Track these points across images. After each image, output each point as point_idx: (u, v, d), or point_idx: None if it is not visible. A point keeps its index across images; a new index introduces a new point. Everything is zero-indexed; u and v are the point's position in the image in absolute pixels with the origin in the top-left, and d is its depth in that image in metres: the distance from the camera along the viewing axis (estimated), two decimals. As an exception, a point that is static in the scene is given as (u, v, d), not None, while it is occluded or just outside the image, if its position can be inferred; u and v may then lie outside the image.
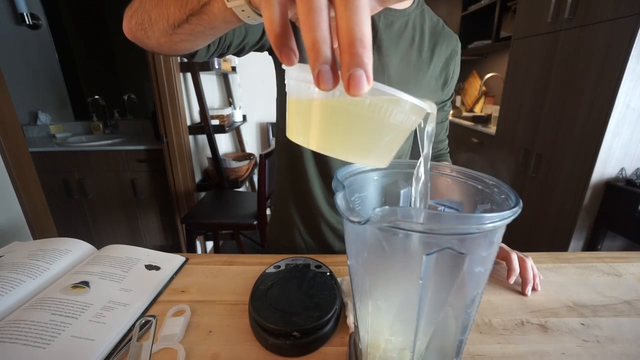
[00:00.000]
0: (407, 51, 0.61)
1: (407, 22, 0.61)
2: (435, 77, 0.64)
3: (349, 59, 0.16)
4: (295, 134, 0.23)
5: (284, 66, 0.21)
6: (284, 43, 0.19)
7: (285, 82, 0.23)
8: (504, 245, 0.55)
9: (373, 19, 0.57)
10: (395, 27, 0.60)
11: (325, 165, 0.65)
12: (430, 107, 0.23)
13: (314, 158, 0.66)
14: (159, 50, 0.40)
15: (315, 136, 0.21)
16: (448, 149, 0.78)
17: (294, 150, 0.67)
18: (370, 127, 0.21)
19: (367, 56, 0.17)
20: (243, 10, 0.26)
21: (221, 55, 0.52)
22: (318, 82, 0.17)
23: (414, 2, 0.61)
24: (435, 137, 0.74)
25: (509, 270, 0.52)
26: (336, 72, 0.17)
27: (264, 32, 0.52)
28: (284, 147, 0.70)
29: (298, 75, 0.21)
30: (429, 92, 0.64)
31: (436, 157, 0.76)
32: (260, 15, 0.26)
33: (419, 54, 0.61)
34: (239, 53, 0.54)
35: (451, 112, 0.78)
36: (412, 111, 0.21)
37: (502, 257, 0.54)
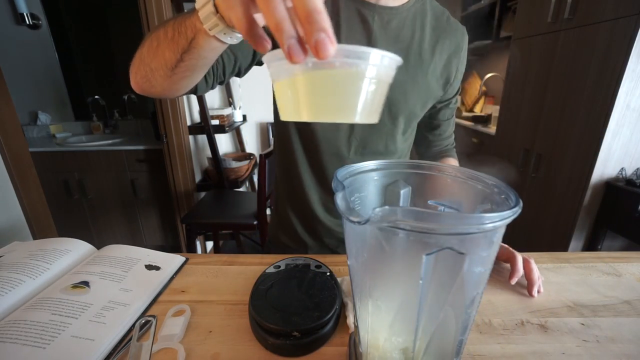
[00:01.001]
0: (405, 52, 0.58)
1: (405, 19, 0.57)
2: (435, 77, 0.62)
3: (309, 27, 0.19)
4: (286, 113, 0.25)
5: (263, 58, 0.24)
6: (254, 33, 0.23)
7: (268, 72, 0.25)
8: (508, 247, 0.55)
9: (367, 20, 0.55)
10: (392, 26, 0.57)
11: (319, 169, 0.65)
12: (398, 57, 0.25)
13: (308, 161, 0.66)
14: (164, 95, 0.46)
15: (304, 108, 0.23)
16: (454, 144, 0.76)
17: (288, 154, 0.67)
18: (349, 86, 0.23)
19: (324, 20, 0.19)
20: (225, 33, 0.30)
21: (221, 83, 0.55)
22: (290, 56, 0.20)
23: None
24: (442, 133, 0.72)
25: (513, 271, 0.52)
26: (303, 44, 0.20)
27: (255, 51, 0.55)
28: (279, 150, 0.71)
29: (272, 59, 0.23)
30: (427, 94, 0.62)
31: (441, 152, 0.74)
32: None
33: (418, 55, 0.59)
34: (238, 75, 0.57)
35: (454, 112, 0.75)
36: (382, 62, 0.23)
37: (507, 257, 0.54)
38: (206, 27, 0.30)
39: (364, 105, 0.24)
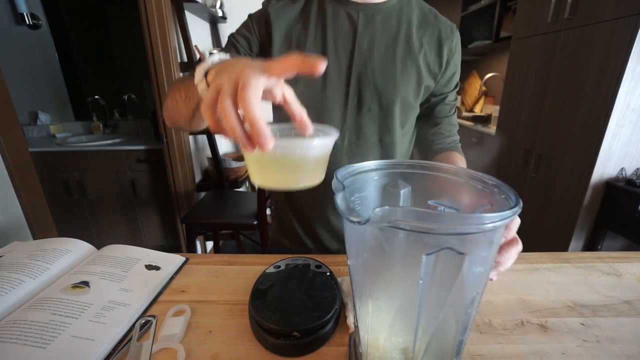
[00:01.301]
0: (393, 42, 0.59)
1: (391, 13, 0.59)
2: (426, 65, 0.61)
3: (253, 130, 0.27)
4: (250, 176, 0.34)
5: None
6: (219, 131, 0.30)
7: None
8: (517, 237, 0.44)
9: (352, 18, 0.58)
10: (378, 20, 0.59)
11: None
12: (333, 135, 0.32)
13: None
14: (194, 131, 0.55)
15: (257, 178, 0.33)
16: (459, 145, 0.73)
17: None
18: (288, 166, 0.31)
19: (263, 125, 0.26)
20: None
21: None
22: (243, 148, 0.29)
23: None
24: (443, 132, 0.69)
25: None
26: (250, 140, 0.28)
27: None
28: None
29: None
30: (418, 81, 0.61)
31: (444, 150, 0.70)
32: None
33: (405, 44, 0.59)
34: None
35: (455, 109, 0.71)
36: (315, 147, 0.30)
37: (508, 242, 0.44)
38: (202, 96, 0.36)
39: (302, 177, 0.32)
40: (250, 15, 0.63)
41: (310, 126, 0.31)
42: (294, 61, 0.28)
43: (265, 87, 0.29)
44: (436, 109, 0.68)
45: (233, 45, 0.61)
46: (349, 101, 0.61)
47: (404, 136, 0.67)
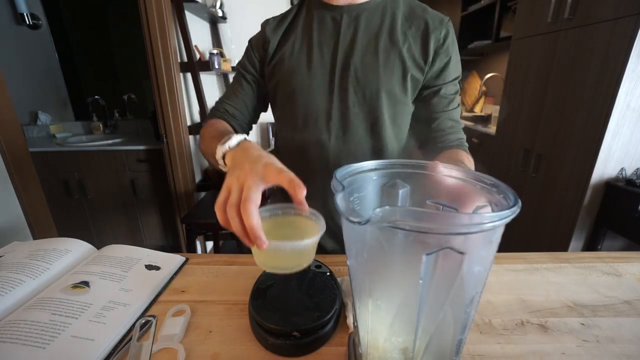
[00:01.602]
0: (375, 36, 0.60)
1: (375, 10, 0.61)
2: (412, 56, 0.60)
3: (251, 234, 0.35)
4: (254, 258, 0.41)
5: None
6: (227, 227, 0.37)
7: None
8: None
9: (336, 20, 0.62)
10: (361, 19, 0.61)
11: (305, 161, 0.68)
12: (318, 233, 0.38)
13: (295, 154, 0.68)
14: None
15: (258, 262, 0.40)
16: (466, 144, 0.67)
17: (279, 152, 0.70)
18: (280, 257, 0.40)
19: (258, 230, 0.34)
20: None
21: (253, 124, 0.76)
22: (247, 244, 0.36)
23: None
24: (444, 129, 0.65)
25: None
26: (250, 240, 0.36)
27: (257, 97, 0.72)
28: (276, 151, 0.73)
29: None
30: (403, 71, 0.60)
31: (447, 148, 0.65)
32: None
33: (388, 37, 0.60)
34: (257, 115, 0.76)
35: (456, 104, 0.66)
36: (306, 244, 0.37)
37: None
38: (221, 168, 0.48)
39: (294, 265, 0.40)
40: (250, 41, 0.70)
41: (306, 207, 0.39)
42: (285, 180, 0.36)
43: (264, 188, 0.38)
44: (432, 102, 0.65)
45: (242, 76, 0.70)
46: (334, 97, 0.63)
47: (396, 132, 0.66)
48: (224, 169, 0.47)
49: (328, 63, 0.62)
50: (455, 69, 0.64)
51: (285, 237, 0.43)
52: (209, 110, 1.91)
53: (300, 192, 0.36)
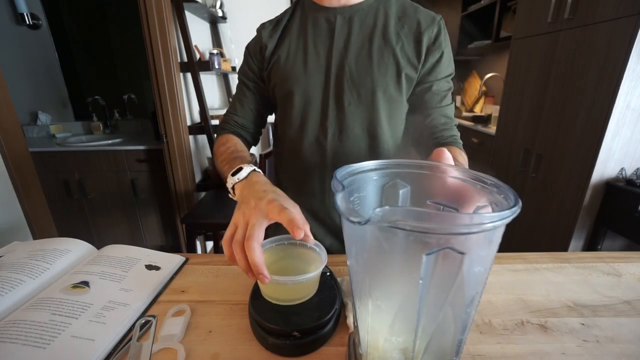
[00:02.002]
0: (369, 37, 0.61)
1: (369, 11, 0.62)
2: (405, 55, 0.61)
3: (254, 269, 0.37)
4: (262, 293, 0.44)
5: None
6: (233, 262, 0.40)
7: None
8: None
9: (330, 21, 0.62)
10: (355, 20, 0.62)
11: (302, 163, 0.68)
12: (318, 268, 0.41)
13: (294, 154, 0.69)
14: None
15: (263, 294, 0.43)
16: (460, 142, 0.67)
17: (281, 152, 0.71)
18: (285, 291, 0.42)
19: (262, 266, 0.37)
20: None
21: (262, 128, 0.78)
22: (251, 277, 0.39)
23: None
24: (437, 125, 0.65)
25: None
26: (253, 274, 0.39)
27: (262, 103, 0.73)
28: (275, 151, 0.74)
29: None
30: (397, 70, 0.60)
31: (441, 145, 0.65)
32: None
33: (381, 37, 0.61)
34: (264, 117, 0.76)
35: (449, 101, 0.66)
36: (307, 278, 0.39)
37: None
38: (233, 198, 0.51)
39: (296, 298, 0.42)
40: (247, 47, 0.71)
41: (311, 238, 0.41)
42: (284, 219, 0.39)
43: (267, 224, 0.41)
44: (424, 98, 0.65)
45: (244, 84, 0.71)
46: (330, 98, 0.63)
47: (391, 131, 0.66)
48: (234, 198, 0.50)
49: (323, 64, 0.63)
50: (448, 66, 0.64)
51: (289, 268, 0.46)
52: (208, 112, 1.92)
53: (298, 233, 0.38)
